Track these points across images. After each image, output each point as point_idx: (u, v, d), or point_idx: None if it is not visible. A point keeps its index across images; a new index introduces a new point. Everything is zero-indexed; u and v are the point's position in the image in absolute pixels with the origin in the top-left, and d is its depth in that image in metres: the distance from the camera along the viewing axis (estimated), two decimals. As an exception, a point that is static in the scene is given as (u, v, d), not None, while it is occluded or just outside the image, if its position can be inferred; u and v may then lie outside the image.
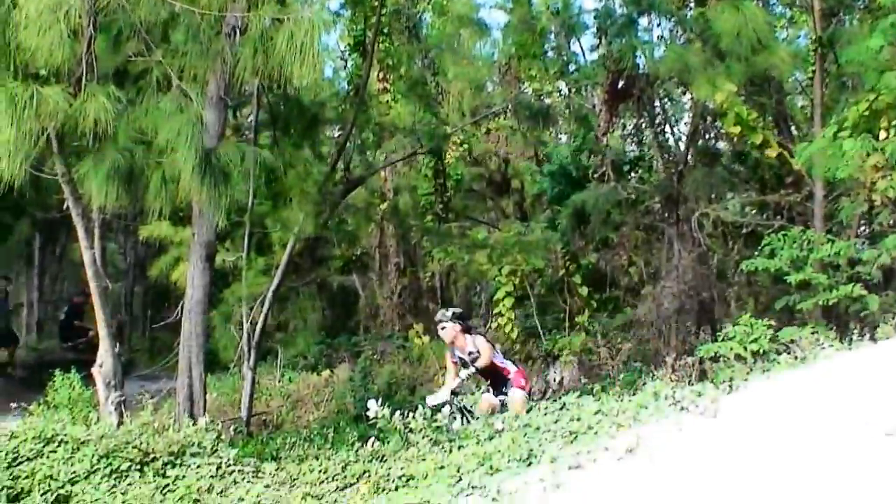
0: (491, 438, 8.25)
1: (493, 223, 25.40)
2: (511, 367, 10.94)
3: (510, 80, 24.25)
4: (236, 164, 9.05)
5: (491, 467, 7.09)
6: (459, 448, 8.06)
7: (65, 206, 10.41)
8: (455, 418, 10.06)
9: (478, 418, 9.93)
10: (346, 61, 20.21)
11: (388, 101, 20.93)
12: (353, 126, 14.51)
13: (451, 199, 23.79)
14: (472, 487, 6.60)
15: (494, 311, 18.99)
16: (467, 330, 10.95)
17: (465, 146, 23.64)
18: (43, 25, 7.89)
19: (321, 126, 16.05)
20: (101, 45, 8.71)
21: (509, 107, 19.36)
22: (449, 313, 10.94)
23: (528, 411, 9.47)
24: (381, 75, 21.57)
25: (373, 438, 8.79)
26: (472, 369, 10.54)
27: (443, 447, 8.18)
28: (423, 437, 8.33)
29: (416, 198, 23.39)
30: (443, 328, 10.84)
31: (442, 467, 7.41)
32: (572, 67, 22.38)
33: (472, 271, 22.00)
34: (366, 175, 18.19)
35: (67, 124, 8.57)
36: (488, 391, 10.84)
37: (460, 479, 6.87)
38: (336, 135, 18.20)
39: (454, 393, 10.48)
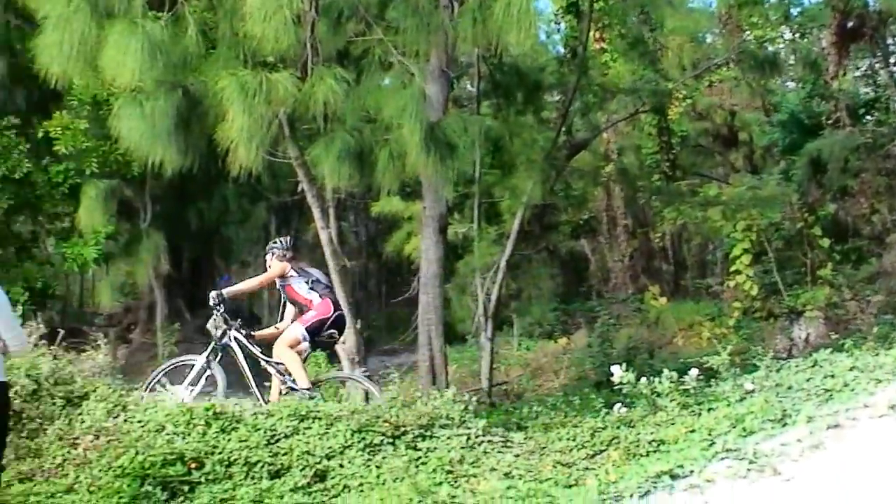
0: (741, 399, 8.00)
1: (723, 178, 24.71)
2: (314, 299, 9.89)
3: (731, 30, 23.48)
4: (461, 135, 9.02)
5: (744, 429, 6.85)
6: (709, 411, 7.83)
7: (298, 189, 10.65)
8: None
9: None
10: (559, 24, 19.96)
11: (606, 61, 20.61)
12: (576, 89, 14.32)
13: (677, 156, 23.31)
14: (727, 450, 6.38)
15: (731, 269, 18.44)
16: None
17: (689, 101, 23.03)
18: (267, 13, 8.03)
19: (542, 91, 15.94)
20: (323, 28, 8.81)
21: (732, 57, 18.68)
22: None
23: (778, 371, 9.09)
24: (597, 35, 21.27)
25: (619, 404, 8.64)
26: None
27: (692, 410, 7.97)
28: (671, 401, 8.12)
29: (642, 157, 23.04)
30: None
31: (693, 431, 7.21)
32: (796, 11, 21.54)
33: (706, 229, 21.48)
34: (589, 137, 17.95)
35: (297, 108, 8.73)
36: None
37: (713, 443, 6.67)
38: (556, 99, 18.00)
39: None
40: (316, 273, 10.05)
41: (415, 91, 8.81)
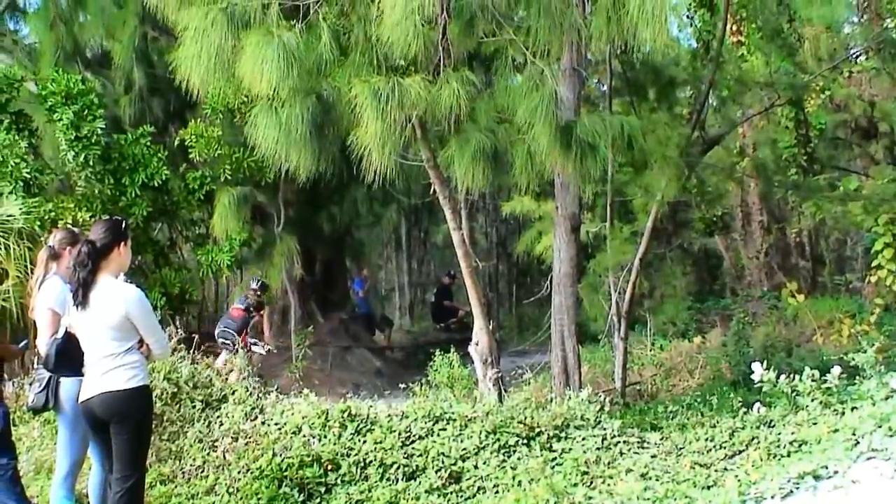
0: (887, 398, 7.78)
1: (863, 171, 24.02)
2: None
3: (870, 18, 22.81)
4: (600, 133, 8.97)
5: (890, 429, 6.66)
6: (853, 410, 7.65)
7: (431, 191, 10.70)
8: None
9: None
10: (692, 18, 19.69)
11: (742, 55, 20.24)
12: (711, 84, 14.09)
13: (814, 149, 22.69)
14: (872, 450, 6.22)
15: (872, 264, 17.90)
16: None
17: (827, 93, 22.43)
18: (399, 18, 8.09)
19: (676, 87, 15.74)
20: (455, 30, 8.83)
21: (871, 46, 18.13)
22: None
23: None
24: (733, 28, 20.89)
25: (758, 404, 8.47)
26: None
27: (834, 410, 7.78)
28: (813, 400, 7.94)
29: (778, 151, 22.51)
30: None
31: (836, 430, 7.05)
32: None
33: (845, 223, 20.91)
34: (723, 133, 17.62)
35: (428, 112, 8.77)
36: None
37: (857, 443, 6.50)
38: (688, 95, 17.74)
39: None
40: None
41: (547, 91, 8.77)
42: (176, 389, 8.98)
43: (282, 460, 7.66)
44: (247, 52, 8.43)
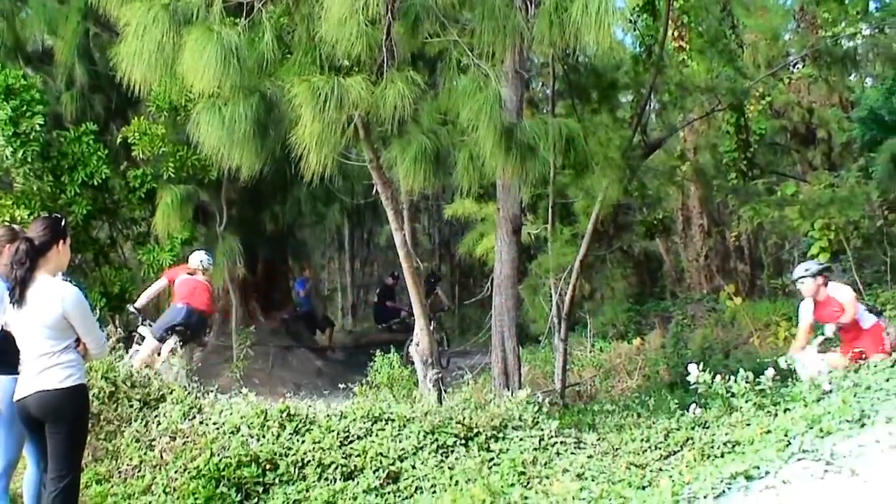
0: (819, 400, 7.91)
1: (801, 176, 24.39)
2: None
3: (807, 27, 23.15)
4: (541, 137, 9.02)
5: (821, 430, 6.78)
6: (786, 411, 7.77)
7: (373, 192, 10.71)
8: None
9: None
10: (634, 23, 19.86)
11: (683, 59, 20.46)
12: (652, 88, 14.23)
13: (754, 154, 23.00)
14: (803, 451, 6.31)
15: (808, 268, 18.17)
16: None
17: (767, 99, 22.75)
18: (343, 17, 8.09)
19: (618, 90, 15.86)
20: (399, 30, 8.85)
21: (808, 54, 18.43)
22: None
23: (856, 370, 9.01)
24: (675, 33, 21.10)
25: (694, 405, 8.59)
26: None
27: (768, 411, 7.90)
28: (747, 402, 8.07)
29: (718, 156, 22.80)
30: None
31: (769, 431, 7.15)
32: (876, 5, 21.18)
33: (782, 228, 21.21)
34: (665, 136, 17.85)
35: (371, 112, 8.78)
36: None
37: (789, 444, 6.60)
38: (631, 99, 17.90)
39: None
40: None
41: (490, 93, 8.81)
42: (113, 388, 8.91)
43: (219, 460, 7.62)
44: (188, 50, 8.37)
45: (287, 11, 9.31)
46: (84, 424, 6.44)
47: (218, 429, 8.30)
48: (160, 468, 7.96)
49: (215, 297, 16.16)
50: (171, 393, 9.03)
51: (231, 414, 8.52)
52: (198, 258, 13.83)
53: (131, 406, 8.80)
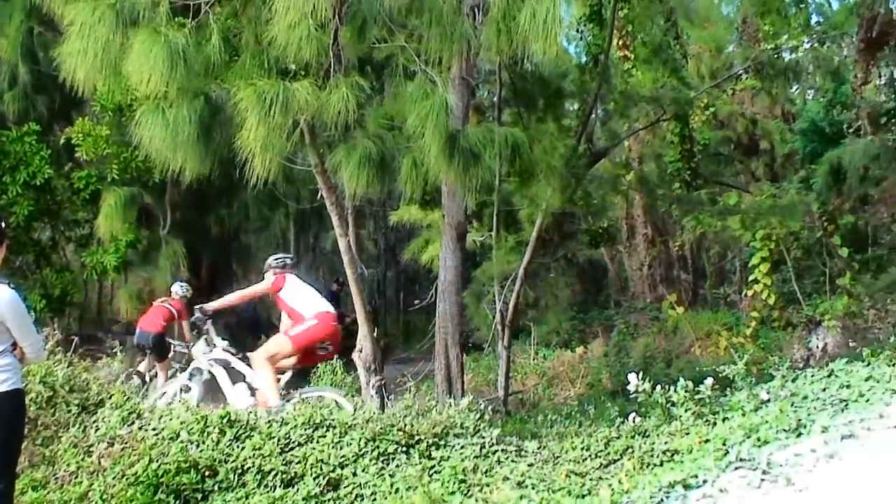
0: (756, 409, 7.99)
1: (743, 186, 24.67)
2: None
3: (750, 39, 23.44)
4: (486, 144, 9.04)
5: (758, 439, 6.85)
6: (724, 420, 7.84)
7: (318, 197, 10.66)
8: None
9: None
10: (581, 32, 20.00)
11: (628, 69, 20.63)
12: (597, 97, 14.32)
13: (698, 164, 23.24)
14: (741, 460, 6.37)
15: (750, 278, 18.39)
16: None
17: (711, 109, 23.00)
18: (291, 21, 8.06)
19: (564, 99, 15.93)
20: (347, 35, 8.83)
21: (751, 66, 18.66)
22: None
23: (793, 380, 9.10)
24: (620, 43, 21.28)
25: (633, 414, 8.64)
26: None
27: (707, 420, 7.97)
28: (686, 411, 8.13)
29: (663, 165, 23.00)
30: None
31: (707, 440, 7.21)
32: (818, 19, 21.53)
33: (725, 238, 21.45)
34: (610, 146, 17.94)
35: (317, 117, 8.75)
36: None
37: (727, 453, 6.66)
38: (576, 107, 18.01)
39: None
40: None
41: (437, 100, 8.81)
42: (51, 393, 8.78)
43: (158, 466, 7.52)
44: (134, 51, 8.31)
45: (235, 14, 9.25)
46: (20, 430, 6.33)
47: (157, 434, 8.21)
48: (98, 474, 7.84)
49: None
50: (110, 398, 8.92)
51: (171, 419, 8.43)
52: (174, 287, 15.15)
53: (69, 411, 8.67)
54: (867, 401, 7.61)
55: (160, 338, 14.75)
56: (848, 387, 8.22)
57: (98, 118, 16.46)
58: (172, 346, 15.26)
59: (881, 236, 21.54)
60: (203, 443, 7.96)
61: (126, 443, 8.13)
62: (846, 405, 7.63)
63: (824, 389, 8.32)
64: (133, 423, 8.49)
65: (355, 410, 8.98)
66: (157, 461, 7.56)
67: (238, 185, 18.59)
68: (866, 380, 8.29)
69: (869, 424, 6.71)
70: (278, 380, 9.89)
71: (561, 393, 16.08)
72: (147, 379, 14.70)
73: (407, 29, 9.38)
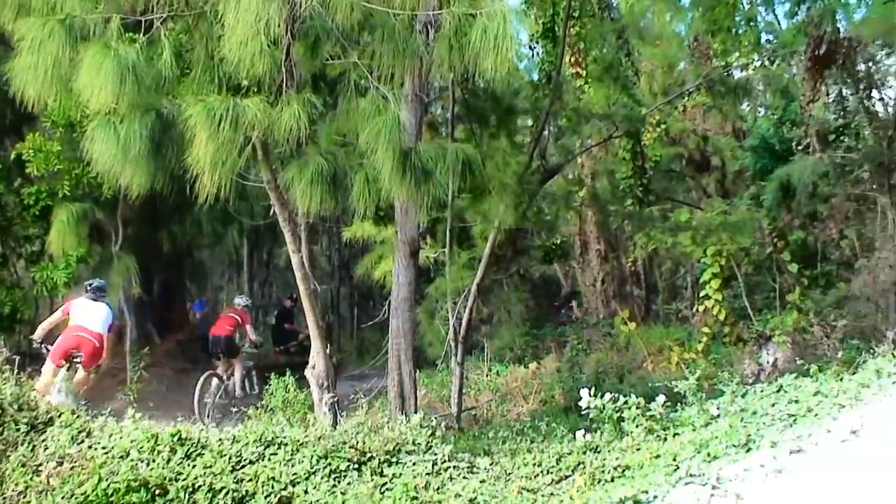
0: (707, 424, 8.07)
1: (695, 203, 24.87)
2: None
3: (702, 57, 23.66)
4: (438, 161, 9.06)
5: (709, 454, 6.93)
6: (675, 436, 7.91)
7: (271, 213, 10.64)
8: None
9: None
10: (533, 49, 20.12)
11: (581, 86, 20.75)
12: (549, 114, 14.39)
13: (650, 181, 23.40)
14: (691, 475, 6.43)
15: (701, 294, 18.54)
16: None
17: (663, 126, 23.18)
18: (244, 37, 8.04)
19: (516, 115, 15.99)
20: (300, 51, 8.82)
21: (703, 83, 18.85)
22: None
23: (743, 395, 9.19)
24: (573, 60, 21.41)
25: (584, 430, 8.68)
26: None
27: (658, 435, 8.04)
28: (637, 426, 8.18)
29: (615, 182, 23.13)
30: None
31: (658, 456, 7.27)
32: (767, 38, 21.77)
33: (677, 254, 21.59)
34: (563, 163, 18.06)
35: (269, 133, 8.73)
36: None
37: (677, 468, 6.72)
38: (530, 124, 18.09)
39: None
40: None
41: (389, 116, 8.81)
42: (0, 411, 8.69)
43: (108, 485, 7.45)
44: (85, 66, 8.26)
45: (187, 29, 9.21)
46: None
47: (107, 453, 8.12)
48: (46, 494, 7.76)
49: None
50: (59, 416, 8.82)
51: (121, 438, 8.34)
52: (236, 300, 17.86)
53: (18, 429, 8.56)
54: (815, 415, 7.69)
55: (230, 340, 17.03)
56: (796, 402, 8.31)
57: (49, 134, 16.29)
58: (241, 348, 17.36)
59: (830, 252, 21.78)
60: (153, 461, 7.89)
61: (75, 462, 8.04)
62: (794, 420, 7.72)
63: (773, 405, 8.41)
64: (83, 441, 8.40)
65: (308, 428, 8.95)
66: (106, 480, 7.49)
67: (191, 201, 18.44)
68: (814, 395, 8.38)
69: (817, 439, 6.78)
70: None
71: (514, 409, 16.08)
72: (225, 379, 16.69)
73: (360, 45, 9.37)
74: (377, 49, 8.78)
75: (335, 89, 12.83)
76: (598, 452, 8.05)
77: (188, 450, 8.04)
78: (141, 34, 8.70)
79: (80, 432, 8.52)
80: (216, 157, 8.43)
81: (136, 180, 9.13)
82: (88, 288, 12.74)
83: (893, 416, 7.14)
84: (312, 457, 7.98)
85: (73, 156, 15.58)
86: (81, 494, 7.39)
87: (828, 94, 23.48)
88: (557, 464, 7.97)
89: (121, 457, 7.99)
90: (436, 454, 8.24)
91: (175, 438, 8.10)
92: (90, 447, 8.27)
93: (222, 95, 8.46)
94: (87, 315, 12.41)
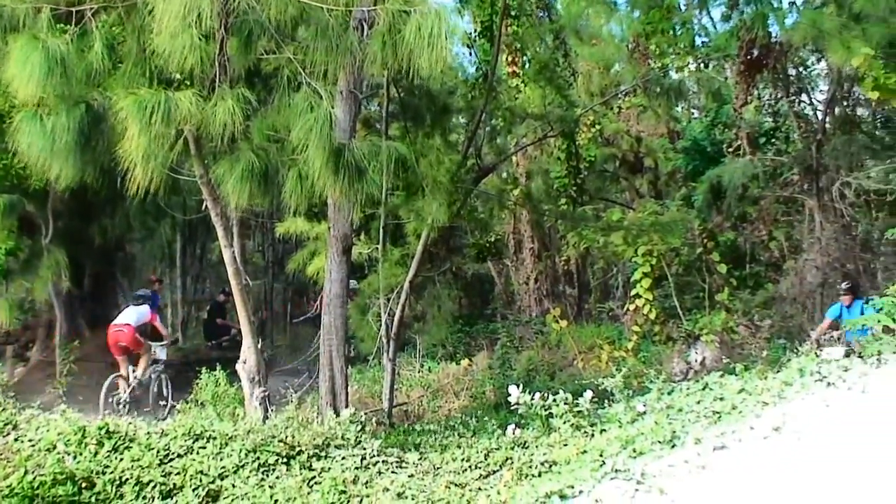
0: (633, 421, 8.19)
1: (628, 203, 25.07)
2: None
3: (639, 58, 23.85)
4: (371, 159, 9.09)
5: (634, 450, 7.05)
6: (602, 432, 8.03)
7: (203, 207, 10.61)
8: None
9: None
10: (471, 47, 20.16)
11: (517, 86, 20.84)
12: (483, 112, 14.46)
13: (584, 181, 23.55)
14: (616, 471, 6.55)
15: (632, 293, 18.70)
16: None
17: (597, 127, 23.36)
18: (175, 30, 8.02)
19: (451, 114, 16.03)
20: (234, 46, 8.80)
21: (639, 85, 19.01)
22: None
23: (669, 393, 9.35)
24: (509, 59, 21.49)
25: (513, 425, 8.77)
26: None
27: (585, 432, 8.15)
28: (565, 423, 8.29)
29: (549, 182, 23.23)
30: None
31: (584, 452, 7.38)
32: (702, 41, 21.99)
33: (609, 253, 21.74)
34: (497, 161, 18.11)
35: (202, 127, 8.70)
36: None
37: (603, 464, 6.84)
38: (465, 122, 18.13)
39: None
40: None
41: (322, 112, 8.82)
42: (-76, 406, 8.61)
43: (34, 478, 7.40)
44: (13, 57, 8.19)
45: (119, 22, 9.15)
46: None
47: (33, 446, 8.08)
48: (-29, 486, 7.71)
49: (39, 311, 15.74)
50: (-17, 410, 8.75)
51: (48, 431, 8.30)
52: None
53: (-57, 422, 8.51)
54: (739, 412, 7.85)
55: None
56: (721, 399, 8.46)
57: (-24, 124, 16.04)
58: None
59: (758, 253, 22.04)
60: (80, 454, 7.86)
61: (1, 454, 7.98)
62: (719, 417, 7.86)
63: (699, 402, 8.56)
64: (8, 434, 8.35)
65: (237, 422, 8.96)
66: (32, 473, 7.45)
67: (122, 194, 18.27)
68: (739, 392, 8.55)
69: (740, 436, 6.93)
70: None
71: (445, 405, 16.12)
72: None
73: (295, 41, 9.37)
74: (311, 45, 8.79)
75: (269, 85, 12.80)
76: (527, 448, 8.16)
77: (116, 443, 8.02)
78: (72, 25, 8.63)
79: (5, 425, 8.48)
80: (148, 150, 8.40)
81: (64, 173, 9.06)
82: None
83: (814, 414, 7.31)
84: (241, 450, 7.99)
85: (2, 147, 15.35)
86: (7, 487, 7.33)
87: (759, 98, 23.84)
88: (486, 459, 8.06)
89: (47, 450, 7.95)
90: (365, 449, 8.30)
91: (103, 431, 8.08)
92: (16, 440, 8.22)
93: (154, 88, 8.42)
94: (125, 315, 15.43)
